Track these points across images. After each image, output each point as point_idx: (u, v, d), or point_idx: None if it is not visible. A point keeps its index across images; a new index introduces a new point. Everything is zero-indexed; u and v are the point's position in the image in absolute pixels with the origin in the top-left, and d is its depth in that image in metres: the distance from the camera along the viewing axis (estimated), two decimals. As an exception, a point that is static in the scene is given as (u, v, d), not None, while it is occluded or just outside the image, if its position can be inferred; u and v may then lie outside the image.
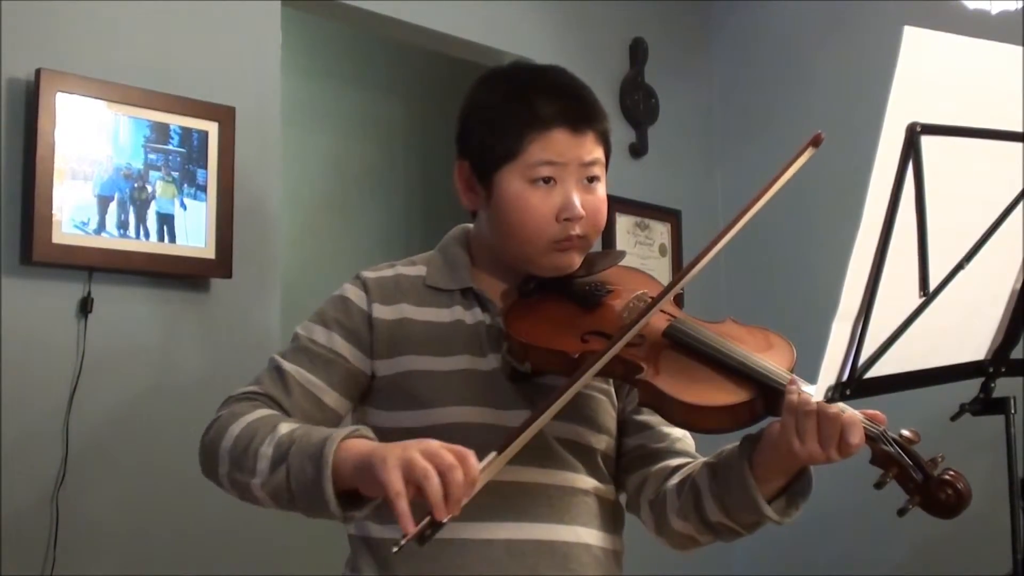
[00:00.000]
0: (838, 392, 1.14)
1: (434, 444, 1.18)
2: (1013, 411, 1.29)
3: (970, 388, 1.29)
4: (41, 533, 2.12)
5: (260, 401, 1.43)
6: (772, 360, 1.34)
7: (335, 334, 1.49)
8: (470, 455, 1.18)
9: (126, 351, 2.29)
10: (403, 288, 1.53)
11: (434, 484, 1.15)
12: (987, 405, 1.28)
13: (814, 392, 1.20)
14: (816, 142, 1.33)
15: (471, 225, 1.60)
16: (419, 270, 1.55)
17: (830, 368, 1.12)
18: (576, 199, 1.45)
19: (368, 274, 1.55)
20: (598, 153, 1.48)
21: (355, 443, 1.25)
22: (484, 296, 1.51)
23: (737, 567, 3.53)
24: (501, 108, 1.47)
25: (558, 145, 1.44)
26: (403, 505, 1.15)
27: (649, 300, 1.45)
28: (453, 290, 1.52)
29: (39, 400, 2.16)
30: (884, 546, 3.22)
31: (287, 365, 1.47)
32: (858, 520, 3.21)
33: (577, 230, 1.45)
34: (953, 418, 1.29)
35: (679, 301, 1.50)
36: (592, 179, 1.48)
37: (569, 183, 1.45)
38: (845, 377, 1.13)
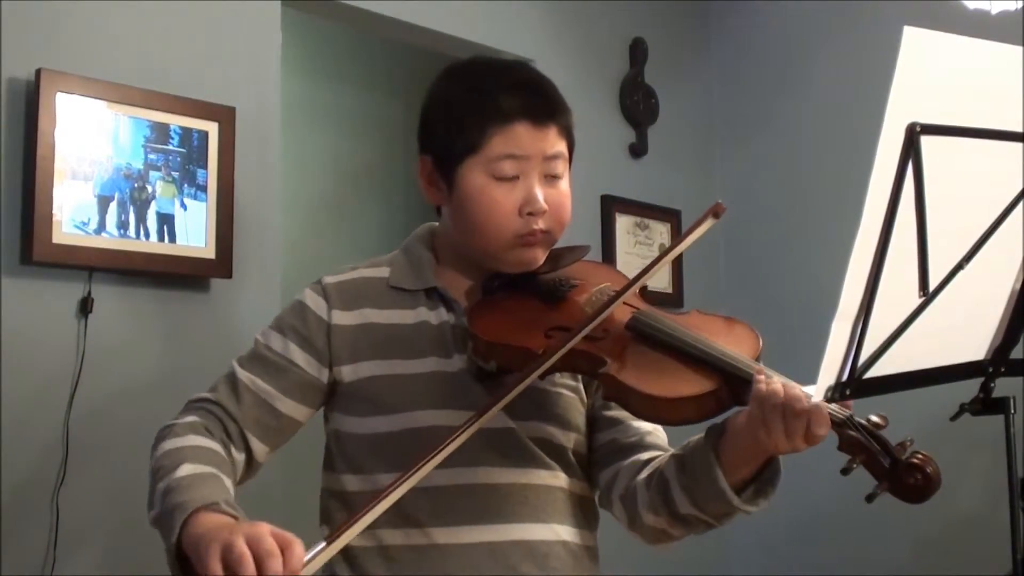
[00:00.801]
0: (838, 392, 1.13)
1: (262, 530, 1.16)
2: (1013, 411, 1.29)
3: (970, 388, 1.29)
4: (41, 533, 2.12)
5: (210, 411, 1.45)
6: (737, 349, 1.33)
7: (290, 342, 1.49)
8: (295, 544, 1.15)
9: (126, 351, 2.29)
10: (365, 291, 1.52)
11: (248, 571, 1.12)
12: (987, 405, 1.28)
13: (814, 392, 1.19)
14: (716, 213, 1.34)
15: (436, 224, 1.59)
16: (382, 271, 1.54)
17: (830, 368, 1.12)
18: (539, 193, 1.44)
19: (329, 279, 1.54)
20: (561, 147, 1.48)
21: (204, 519, 1.23)
22: (448, 296, 1.50)
23: (734, 567, 3.53)
24: (463, 102, 1.47)
25: (520, 139, 1.44)
26: None
27: (611, 293, 1.44)
28: (417, 291, 1.51)
29: (39, 400, 2.15)
30: (883, 546, 3.22)
31: (241, 373, 1.48)
32: (857, 520, 3.21)
33: (540, 224, 1.45)
34: (953, 418, 1.29)
35: (675, 298, 1.50)
36: (555, 173, 1.47)
37: (532, 177, 1.45)
38: (845, 377, 1.13)
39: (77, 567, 2.15)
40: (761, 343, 1.36)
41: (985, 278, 1.20)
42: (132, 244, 2.27)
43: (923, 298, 1.12)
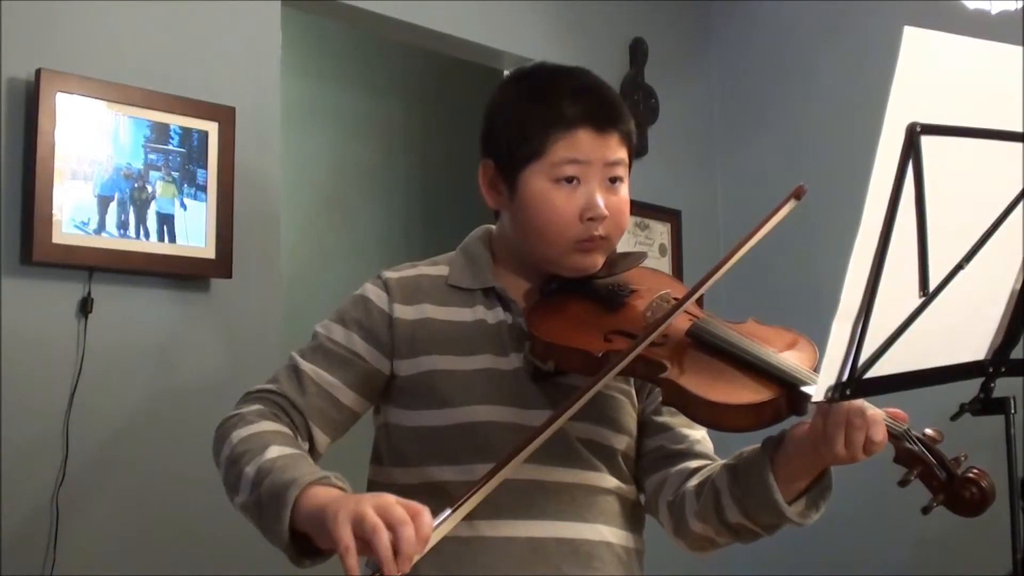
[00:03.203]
0: (838, 392, 1.13)
1: (388, 499, 1.17)
2: (1013, 411, 1.28)
3: (970, 388, 1.29)
4: (41, 533, 2.12)
5: (274, 402, 1.44)
6: (795, 359, 1.35)
7: (354, 334, 1.49)
8: (424, 511, 1.17)
9: (126, 351, 2.29)
10: (425, 288, 1.53)
11: (383, 540, 1.13)
12: (987, 405, 1.28)
13: (814, 392, 1.20)
14: (798, 195, 1.34)
15: (493, 226, 1.60)
16: (441, 270, 1.56)
17: (830, 368, 1.12)
18: (600, 199, 1.45)
19: (390, 274, 1.55)
20: (622, 153, 1.49)
21: (318, 492, 1.24)
22: (506, 295, 1.52)
23: (737, 567, 3.52)
24: (526, 108, 1.48)
25: (583, 145, 1.45)
26: (351, 561, 1.14)
27: (673, 300, 1.46)
28: (475, 289, 1.52)
29: (39, 400, 2.16)
30: (884, 546, 3.22)
31: (304, 364, 1.47)
32: (858, 520, 3.21)
33: (600, 230, 1.46)
34: (953, 418, 1.29)
35: (700, 302, 1.51)
36: (615, 179, 1.48)
37: (593, 183, 1.46)
38: (845, 377, 1.12)
39: (77, 567, 2.15)
40: (818, 354, 1.37)
41: (985, 278, 1.19)
42: (132, 244, 2.27)
43: (923, 298, 1.12)
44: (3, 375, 2.11)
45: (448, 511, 1.22)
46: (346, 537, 1.14)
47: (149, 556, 2.26)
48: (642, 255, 1.60)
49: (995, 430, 1.30)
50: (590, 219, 1.45)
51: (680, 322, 1.41)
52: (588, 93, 1.49)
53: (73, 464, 2.17)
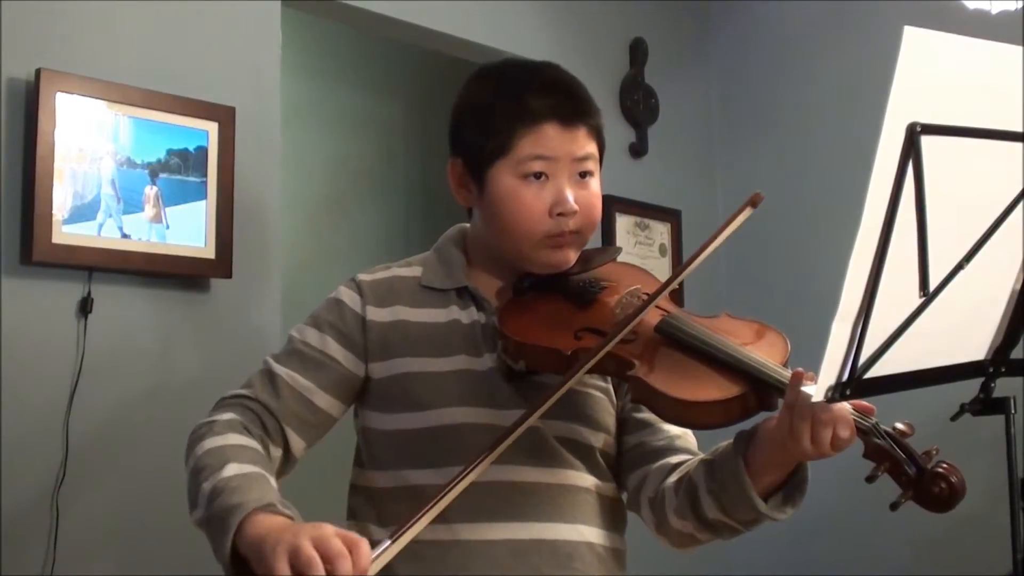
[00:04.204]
0: (838, 392, 1.13)
1: (327, 531, 1.16)
2: (1013, 411, 1.29)
3: (970, 388, 1.29)
4: (41, 533, 2.12)
5: (248, 408, 1.44)
6: (765, 354, 1.33)
7: (328, 337, 1.49)
8: (362, 544, 1.16)
9: (126, 351, 2.29)
10: (398, 289, 1.52)
11: (318, 573, 1.12)
12: (987, 405, 1.28)
13: (813, 393, 1.20)
14: (754, 203, 1.33)
15: (467, 225, 1.60)
16: (415, 271, 1.55)
17: (830, 368, 1.12)
18: (569, 194, 1.44)
19: (363, 276, 1.54)
20: (591, 148, 1.48)
21: (262, 520, 1.23)
22: (479, 295, 1.51)
23: (737, 567, 3.52)
24: (492, 104, 1.47)
25: (549, 140, 1.44)
26: None
27: (643, 296, 1.45)
28: (448, 290, 1.52)
29: (39, 400, 2.15)
30: (884, 546, 3.22)
31: (278, 368, 1.47)
32: (858, 520, 3.21)
33: (570, 225, 1.45)
34: (953, 418, 1.29)
35: (676, 297, 1.50)
36: (585, 174, 1.47)
37: (561, 178, 1.45)
38: (845, 377, 1.13)
39: (77, 567, 2.15)
40: (789, 347, 1.36)
41: (985, 278, 1.20)
42: (132, 244, 2.27)
43: (923, 298, 1.12)
44: (3, 375, 2.11)
45: (387, 541, 1.21)
46: (282, 569, 1.13)
47: (149, 555, 2.26)
48: (617, 249, 1.60)
49: (995, 430, 1.30)
50: (560, 214, 1.44)
51: (650, 318, 1.40)
52: (554, 88, 1.48)
53: (73, 463, 2.17)
